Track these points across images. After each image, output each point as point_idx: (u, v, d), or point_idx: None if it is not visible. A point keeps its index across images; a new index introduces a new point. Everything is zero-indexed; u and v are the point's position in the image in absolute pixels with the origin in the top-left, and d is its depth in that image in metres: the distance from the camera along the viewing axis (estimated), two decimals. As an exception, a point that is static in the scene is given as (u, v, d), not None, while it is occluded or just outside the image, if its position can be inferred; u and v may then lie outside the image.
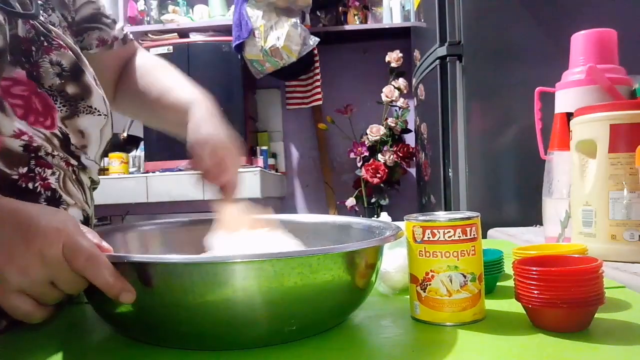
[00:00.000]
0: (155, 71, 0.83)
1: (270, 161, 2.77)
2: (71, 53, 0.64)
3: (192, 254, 0.60)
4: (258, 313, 0.44)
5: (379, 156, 2.49)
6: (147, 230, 0.72)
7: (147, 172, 2.39)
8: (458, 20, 1.61)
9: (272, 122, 2.93)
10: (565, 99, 0.93)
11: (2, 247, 0.43)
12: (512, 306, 0.53)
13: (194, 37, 2.65)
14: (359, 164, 2.56)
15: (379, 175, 2.45)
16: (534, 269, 0.47)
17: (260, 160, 2.57)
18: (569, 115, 0.87)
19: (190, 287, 0.42)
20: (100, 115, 0.67)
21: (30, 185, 0.58)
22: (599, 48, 0.92)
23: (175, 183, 2.21)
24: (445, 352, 0.43)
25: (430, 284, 0.50)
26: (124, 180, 2.27)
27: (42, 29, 0.62)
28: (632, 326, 0.48)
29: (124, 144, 2.39)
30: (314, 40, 2.42)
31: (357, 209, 2.60)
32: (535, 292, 0.46)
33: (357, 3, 2.70)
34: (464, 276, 0.49)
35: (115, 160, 2.36)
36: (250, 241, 0.59)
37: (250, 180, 2.17)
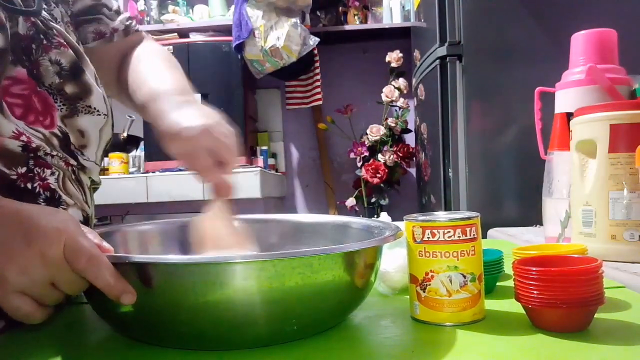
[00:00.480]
0: (142, 64, 0.75)
1: (270, 161, 2.77)
2: (72, 51, 0.64)
3: (191, 254, 0.60)
4: (259, 313, 0.44)
5: (379, 156, 2.49)
6: (146, 230, 0.72)
7: (147, 172, 2.38)
8: (458, 20, 1.61)
9: (272, 122, 2.93)
10: (565, 99, 0.93)
11: (2, 247, 0.43)
12: (512, 306, 0.53)
13: (194, 37, 2.65)
14: (359, 164, 2.56)
15: (379, 175, 2.45)
16: (534, 269, 0.47)
17: (260, 160, 2.57)
18: (569, 115, 0.87)
19: (191, 287, 0.42)
20: (100, 115, 0.67)
21: (29, 185, 0.58)
22: (599, 48, 0.92)
23: (175, 183, 2.21)
24: (445, 352, 0.43)
25: (430, 284, 0.50)
26: (124, 180, 2.27)
27: (42, 27, 0.62)
28: (632, 326, 0.48)
29: (124, 144, 2.39)
30: (314, 40, 2.42)
31: (357, 209, 2.60)
32: (535, 292, 0.46)
33: (357, 3, 2.70)
34: (464, 276, 0.49)
35: (115, 160, 2.36)
36: None
37: (250, 180, 2.17)
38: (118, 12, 0.79)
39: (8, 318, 0.45)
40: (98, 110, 0.66)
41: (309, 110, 2.82)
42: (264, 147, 2.70)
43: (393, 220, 0.67)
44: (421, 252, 0.50)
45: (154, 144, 2.40)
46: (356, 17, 2.70)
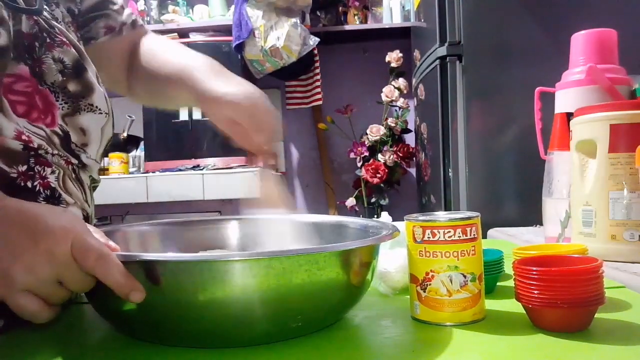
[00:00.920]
0: (160, 51, 0.80)
1: (270, 161, 2.76)
2: (74, 50, 0.64)
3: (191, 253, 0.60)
4: (267, 309, 0.45)
5: (379, 156, 2.49)
6: (146, 230, 0.72)
7: (147, 172, 2.39)
8: (458, 20, 1.61)
9: (272, 122, 2.92)
10: (565, 99, 0.93)
11: (8, 246, 0.43)
12: (512, 306, 0.53)
13: (194, 37, 2.65)
14: (359, 164, 2.56)
15: (379, 175, 2.45)
16: (534, 269, 0.47)
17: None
18: (569, 115, 0.87)
19: (200, 285, 0.43)
20: (101, 113, 0.67)
21: (29, 183, 0.58)
22: (599, 48, 0.92)
23: (175, 183, 2.21)
24: (445, 352, 0.43)
25: (430, 284, 0.50)
26: (123, 180, 2.27)
27: (45, 25, 0.62)
28: (632, 326, 0.48)
29: (124, 144, 2.39)
30: (314, 40, 2.42)
31: (357, 209, 2.60)
32: (535, 292, 0.46)
33: (357, 3, 2.70)
34: (464, 276, 0.49)
35: (115, 160, 2.36)
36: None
37: (250, 180, 2.17)
38: (123, 7, 0.81)
39: (7, 317, 0.44)
40: (100, 109, 0.67)
41: (309, 110, 2.82)
42: (264, 147, 2.70)
43: (393, 220, 0.67)
44: (421, 252, 0.50)
45: (154, 144, 2.41)
46: (356, 17, 2.69)
